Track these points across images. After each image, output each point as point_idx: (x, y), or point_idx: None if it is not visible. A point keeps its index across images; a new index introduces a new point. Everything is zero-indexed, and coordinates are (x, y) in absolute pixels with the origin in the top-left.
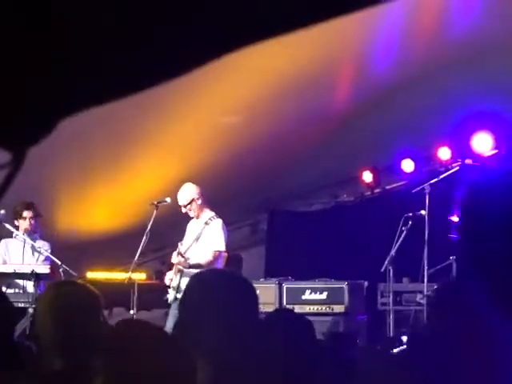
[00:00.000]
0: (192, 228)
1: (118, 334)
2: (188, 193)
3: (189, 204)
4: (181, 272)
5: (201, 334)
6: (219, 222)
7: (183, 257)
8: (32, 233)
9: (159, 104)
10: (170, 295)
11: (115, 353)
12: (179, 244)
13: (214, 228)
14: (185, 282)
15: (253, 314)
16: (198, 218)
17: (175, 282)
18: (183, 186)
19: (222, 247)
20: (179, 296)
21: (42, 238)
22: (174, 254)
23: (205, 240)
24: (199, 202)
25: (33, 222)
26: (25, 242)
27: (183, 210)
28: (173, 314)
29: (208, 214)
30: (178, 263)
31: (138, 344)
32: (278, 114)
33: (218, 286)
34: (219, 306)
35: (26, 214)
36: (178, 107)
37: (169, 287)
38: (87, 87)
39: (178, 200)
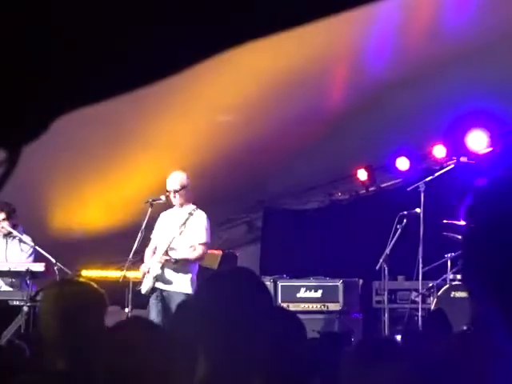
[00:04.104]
0: (170, 218)
1: (119, 333)
2: (182, 179)
3: (180, 190)
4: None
5: (207, 331)
6: (203, 213)
7: (168, 255)
8: (9, 232)
9: (154, 102)
10: (146, 285)
11: (117, 351)
12: (152, 238)
13: (199, 219)
14: (168, 272)
15: (267, 312)
16: (181, 207)
17: (156, 271)
18: (175, 173)
19: (209, 238)
20: (160, 285)
21: (25, 233)
22: (149, 249)
23: (190, 231)
24: (189, 191)
25: (6, 223)
26: (7, 242)
27: (170, 196)
28: (154, 304)
29: (190, 206)
30: (165, 262)
31: (139, 342)
32: (273, 112)
33: (232, 285)
34: (230, 304)
35: None
36: (172, 106)
37: (142, 277)
38: (82, 86)
39: (170, 184)
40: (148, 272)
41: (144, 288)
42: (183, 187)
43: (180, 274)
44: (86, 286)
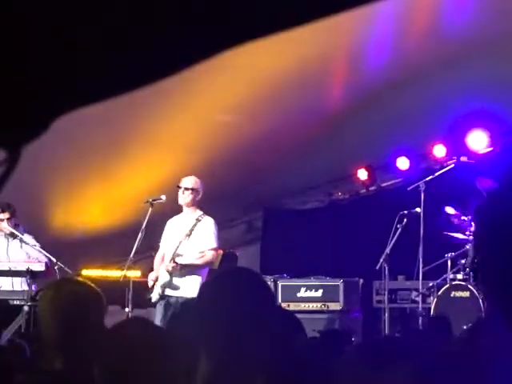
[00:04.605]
0: (177, 225)
1: (119, 333)
2: (196, 182)
3: (191, 190)
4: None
5: (209, 331)
6: (211, 219)
7: (175, 262)
8: (11, 232)
9: (155, 102)
10: (155, 293)
11: (116, 351)
12: (160, 246)
13: (207, 225)
14: (177, 278)
15: (268, 311)
16: (188, 206)
17: (165, 279)
18: (193, 176)
19: (217, 243)
20: (168, 291)
21: (26, 232)
22: (158, 257)
23: (198, 236)
24: (198, 197)
25: (9, 223)
26: (8, 241)
27: (179, 192)
28: (159, 310)
29: (198, 212)
30: (172, 270)
31: (139, 343)
32: (273, 112)
33: (235, 284)
34: (231, 304)
35: (1, 215)
36: (173, 105)
37: (152, 287)
38: (82, 86)
39: (184, 182)
40: (157, 280)
41: (154, 296)
42: (194, 189)
43: (188, 280)
44: (84, 285)
